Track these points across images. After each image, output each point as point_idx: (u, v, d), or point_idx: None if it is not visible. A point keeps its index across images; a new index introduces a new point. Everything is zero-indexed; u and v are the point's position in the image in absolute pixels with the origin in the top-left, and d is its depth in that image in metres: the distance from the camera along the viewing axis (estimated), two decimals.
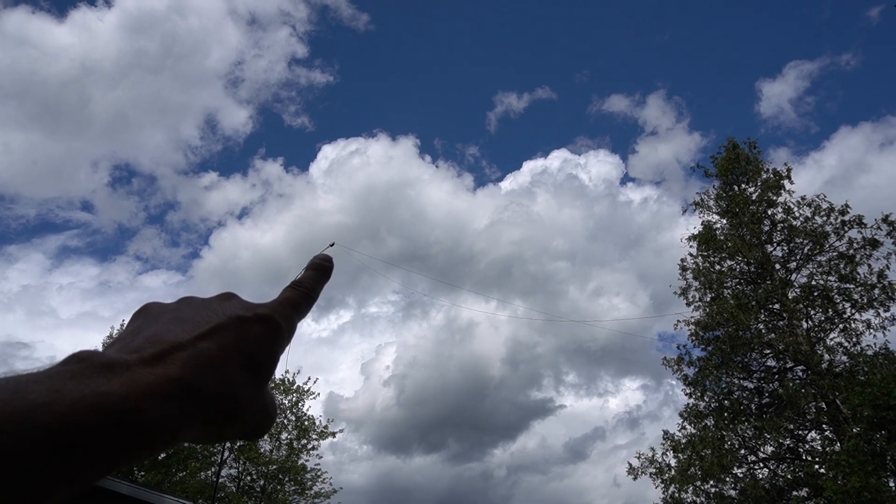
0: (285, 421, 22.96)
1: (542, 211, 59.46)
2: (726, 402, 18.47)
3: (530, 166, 65.89)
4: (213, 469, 21.57)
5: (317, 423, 23.28)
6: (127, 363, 0.34)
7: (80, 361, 0.33)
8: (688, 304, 20.20)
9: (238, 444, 21.97)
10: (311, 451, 22.81)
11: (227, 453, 21.49)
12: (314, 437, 22.99)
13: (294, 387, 23.31)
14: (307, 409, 23.24)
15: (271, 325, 0.43)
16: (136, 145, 64.41)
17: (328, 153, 65.95)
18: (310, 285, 0.50)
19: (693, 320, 19.75)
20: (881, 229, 18.16)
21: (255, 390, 0.40)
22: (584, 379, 48.46)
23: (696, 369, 19.24)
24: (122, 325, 21.87)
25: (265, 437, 23.01)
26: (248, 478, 22.56)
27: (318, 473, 22.81)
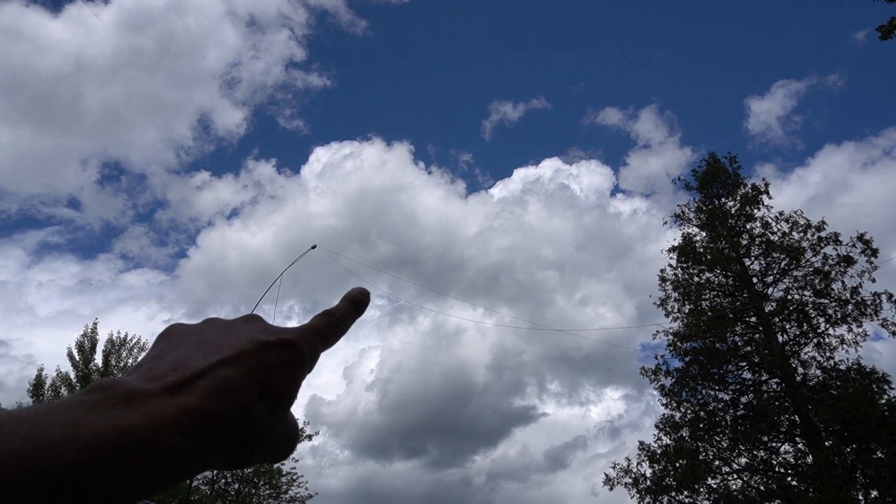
0: None
1: (533, 220, 59.83)
2: (702, 413, 18.63)
3: (522, 174, 66.27)
4: None
5: None
6: (148, 393, 0.34)
7: (103, 391, 0.33)
8: (667, 315, 20.40)
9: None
10: None
11: None
12: None
13: None
14: None
15: (294, 351, 0.42)
16: (128, 143, 63.72)
17: (321, 156, 65.87)
18: (341, 316, 0.49)
19: (672, 331, 19.95)
20: (856, 247, 18.51)
21: (275, 417, 0.40)
22: (566, 388, 48.63)
23: (674, 380, 19.41)
24: (95, 325, 21.57)
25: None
26: (223, 480, 22.29)
27: (294, 477, 22.61)
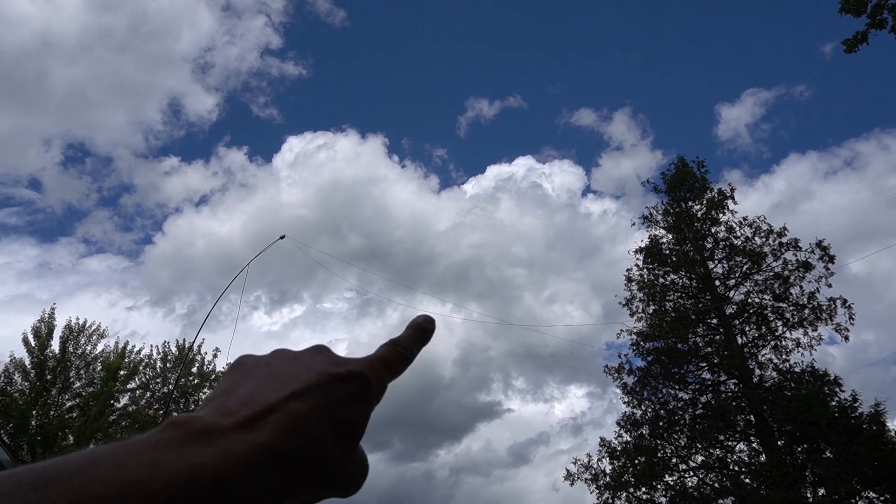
0: None
1: (504, 217, 60.03)
2: (662, 411, 19.01)
3: (495, 171, 66.39)
4: None
5: None
6: (222, 429, 0.35)
7: (178, 427, 0.34)
8: (631, 315, 20.73)
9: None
10: None
11: None
12: None
13: None
14: None
15: (363, 383, 0.42)
16: (94, 125, 61.67)
17: (294, 145, 64.89)
18: (406, 345, 0.48)
19: (636, 331, 20.28)
20: (815, 253, 19.07)
21: (346, 451, 0.39)
22: (531, 384, 49.02)
23: (636, 378, 19.75)
24: (53, 310, 20.93)
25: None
26: None
27: None
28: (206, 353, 22.76)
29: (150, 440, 0.33)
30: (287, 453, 0.35)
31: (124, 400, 21.76)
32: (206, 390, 22.21)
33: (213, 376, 22.35)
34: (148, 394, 22.31)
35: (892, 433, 15.88)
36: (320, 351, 0.45)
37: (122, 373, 21.35)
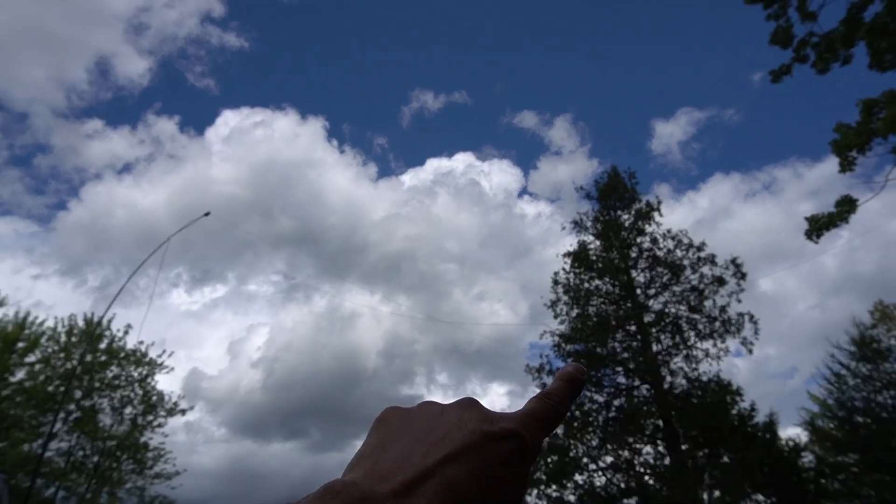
0: (132, 394, 21.32)
1: (440, 211, 60.24)
2: (577, 412, 19.57)
3: (434, 165, 66.50)
4: (40, 441, 19.53)
5: (166, 398, 21.85)
6: (380, 498, 0.34)
7: (336, 496, 0.33)
8: (555, 317, 21.21)
9: (73, 416, 20.11)
10: (156, 429, 21.36)
11: (59, 424, 19.56)
12: (162, 413, 21.56)
13: (146, 359, 21.71)
14: (156, 384, 21.75)
15: (518, 442, 0.39)
16: (10, 77, 57.12)
17: (230, 120, 62.52)
18: (559, 398, 0.44)
19: (558, 333, 20.77)
20: (729, 269, 20.12)
21: None
22: (454, 380, 49.53)
23: None
24: None
25: (107, 408, 21.20)
26: (81, 453, 20.69)
27: (162, 453, 21.41)
28: (117, 329, 21.59)
29: None
30: None
31: (21, 374, 20.27)
32: (113, 368, 21.05)
33: (122, 354, 21.21)
34: (48, 369, 20.87)
35: (783, 441, 17.04)
36: (470, 406, 0.42)
37: (20, 345, 19.88)
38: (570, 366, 0.48)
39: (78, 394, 20.33)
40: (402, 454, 0.37)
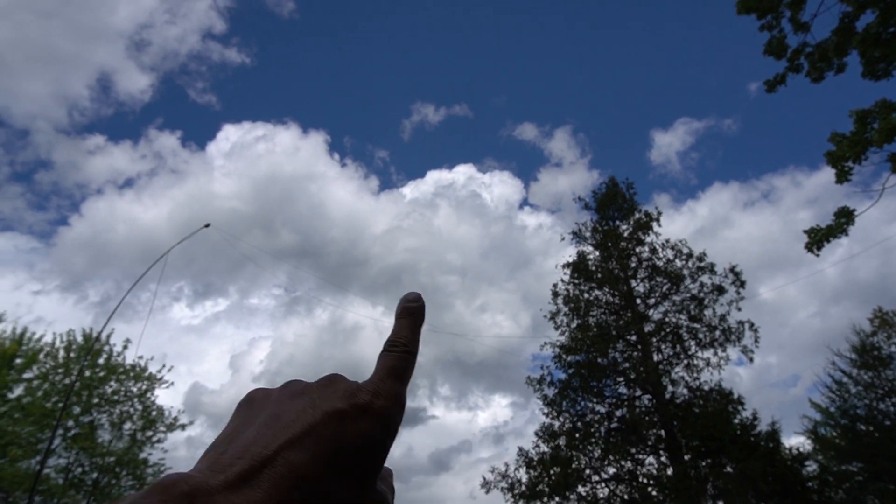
0: (131, 410, 21.20)
1: (441, 223, 60.37)
2: (579, 423, 19.48)
3: (435, 177, 66.71)
4: (38, 458, 19.39)
5: (166, 413, 21.74)
6: (209, 491, 0.31)
7: (163, 491, 0.30)
8: (556, 328, 21.19)
9: (71, 432, 19.99)
10: (155, 444, 21.22)
11: (57, 441, 19.43)
12: (162, 428, 21.43)
13: (146, 374, 21.62)
14: (156, 399, 21.66)
15: (374, 415, 0.38)
16: (11, 93, 57.45)
17: (231, 134, 62.79)
18: (406, 339, 0.43)
19: (559, 344, 20.73)
20: (728, 278, 20.15)
21: (361, 492, 0.36)
22: (456, 392, 49.40)
23: (556, 390, 20.17)
24: None
25: (106, 424, 21.05)
26: (80, 469, 20.53)
27: (162, 469, 21.24)
28: (114, 344, 21.52)
29: None
30: None
31: (19, 390, 20.17)
32: (112, 383, 20.95)
33: (121, 369, 21.13)
34: (47, 385, 20.78)
35: (786, 450, 16.94)
36: (330, 383, 0.40)
37: (17, 360, 19.81)
38: (403, 300, 0.47)
39: (76, 409, 20.22)
40: (248, 441, 0.35)
